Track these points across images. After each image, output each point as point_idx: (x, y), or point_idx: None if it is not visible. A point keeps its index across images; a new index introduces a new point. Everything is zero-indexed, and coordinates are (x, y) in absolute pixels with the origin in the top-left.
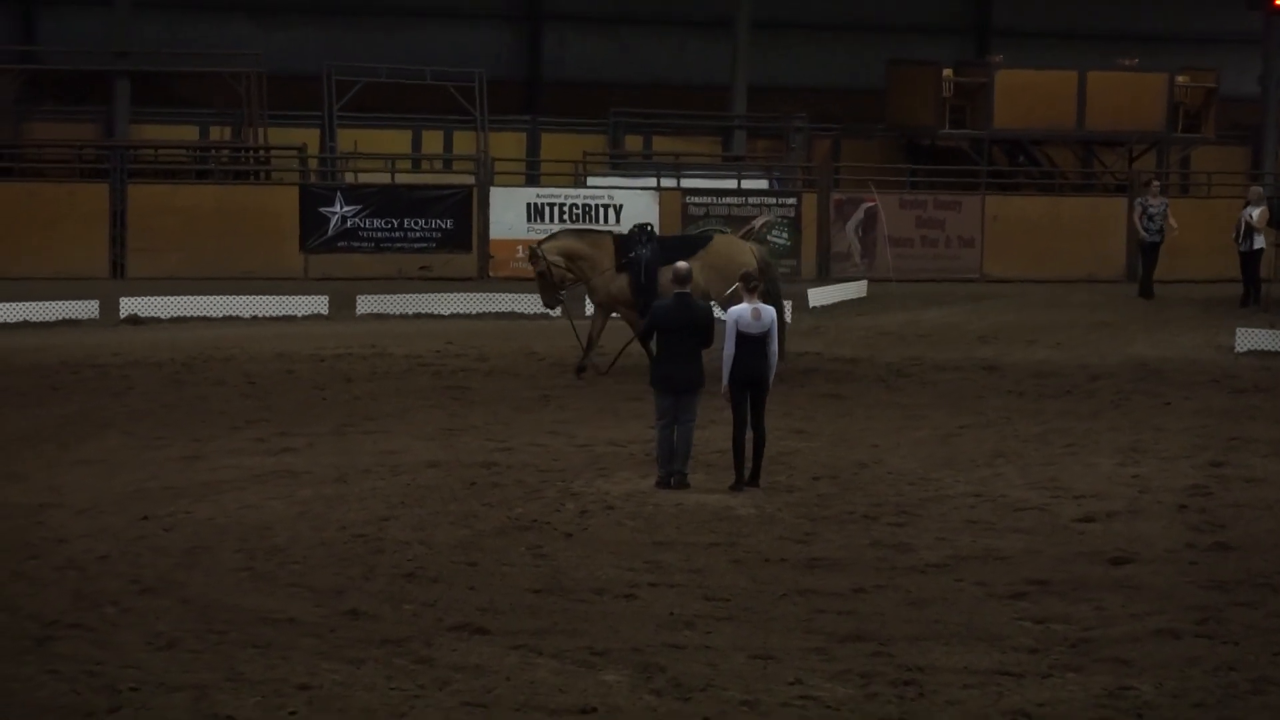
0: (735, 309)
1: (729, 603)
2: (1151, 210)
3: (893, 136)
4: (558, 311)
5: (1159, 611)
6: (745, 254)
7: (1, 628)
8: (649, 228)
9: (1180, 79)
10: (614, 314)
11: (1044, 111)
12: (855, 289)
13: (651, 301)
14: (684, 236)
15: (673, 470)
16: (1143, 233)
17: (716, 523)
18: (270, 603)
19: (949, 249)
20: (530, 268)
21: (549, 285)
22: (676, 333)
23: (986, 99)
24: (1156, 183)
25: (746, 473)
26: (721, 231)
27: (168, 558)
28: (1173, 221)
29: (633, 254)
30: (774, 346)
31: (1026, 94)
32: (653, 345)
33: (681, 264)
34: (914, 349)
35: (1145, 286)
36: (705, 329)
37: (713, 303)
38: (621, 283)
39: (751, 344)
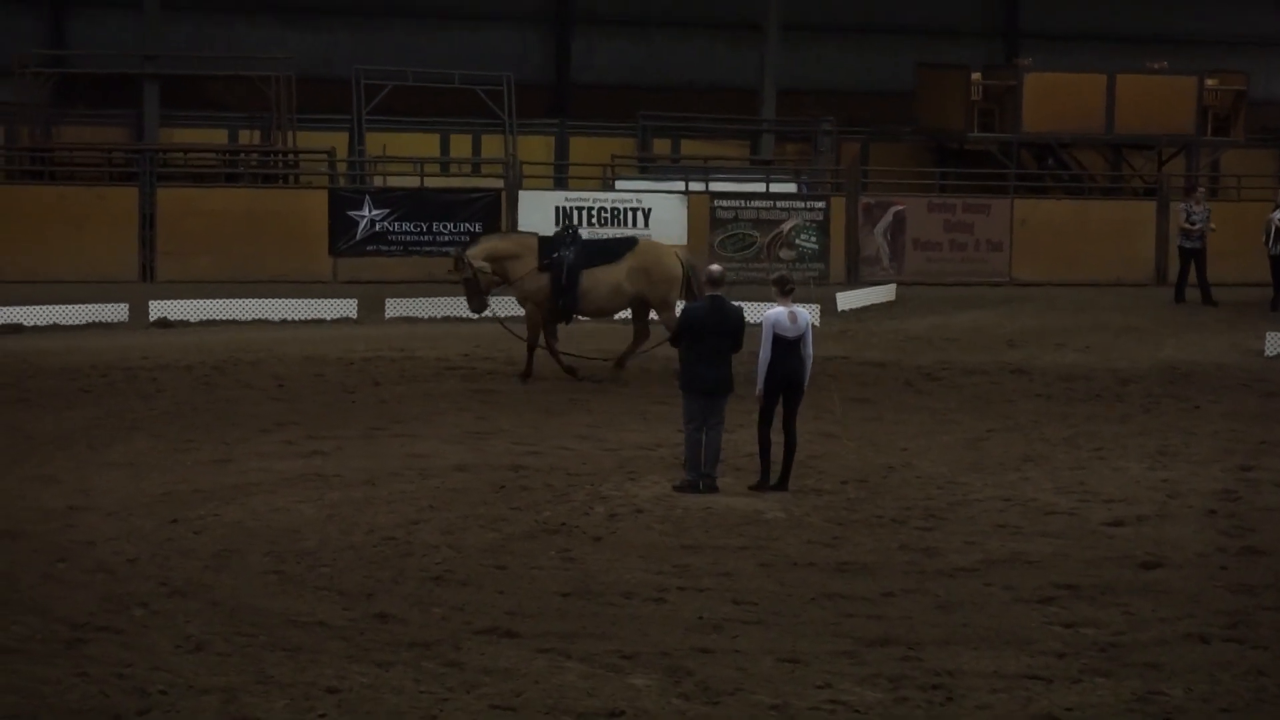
0: (772, 312)
1: (757, 606)
2: (1194, 217)
3: (921, 140)
4: (485, 314)
5: (1188, 616)
6: (671, 258)
7: (32, 630)
8: (574, 230)
9: (1210, 82)
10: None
11: (1073, 115)
12: (884, 292)
13: (571, 304)
14: (610, 240)
15: (702, 474)
16: (1180, 238)
17: (745, 526)
18: (299, 605)
19: (977, 252)
20: (456, 275)
21: (476, 290)
22: (709, 336)
23: (1015, 102)
24: (1201, 189)
25: (774, 477)
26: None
27: (197, 560)
28: (1212, 224)
29: (556, 254)
30: (809, 349)
31: (1055, 97)
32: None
33: (715, 266)
34: (942, 353)
35: (1180, 291)
36: (738, 332)
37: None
38: (542, 282)
39: (788, 347)
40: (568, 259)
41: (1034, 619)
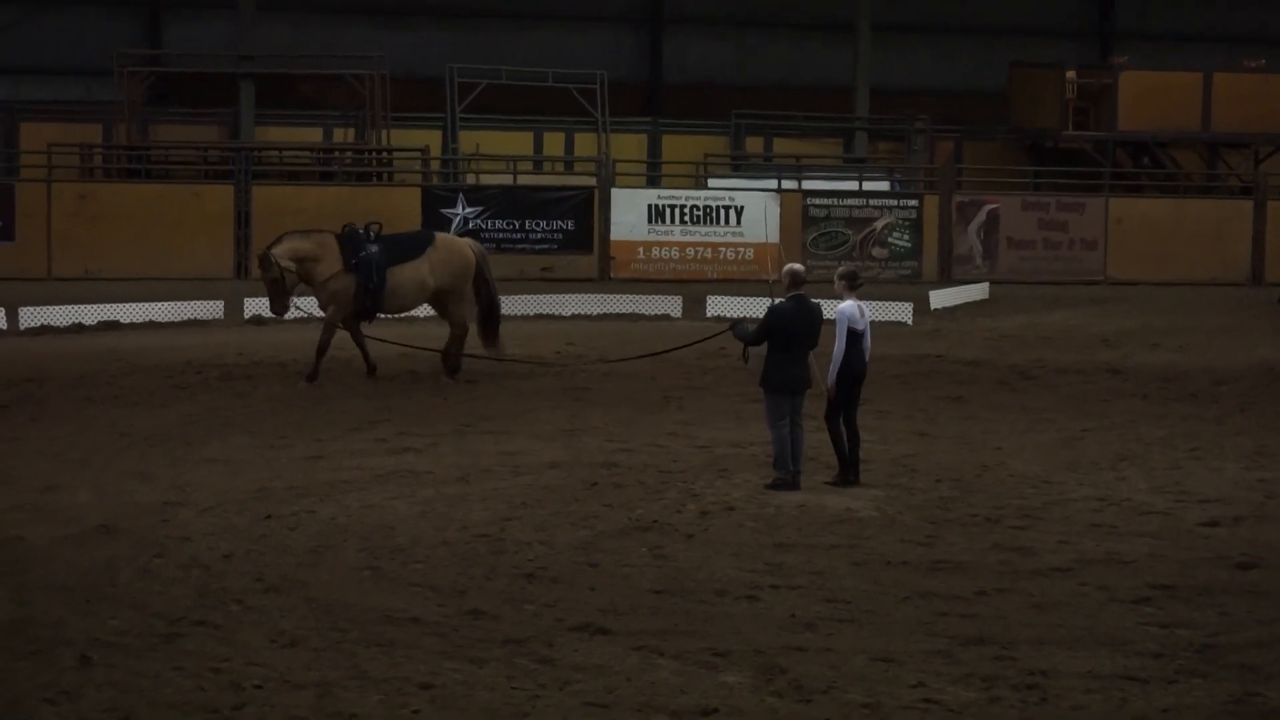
0: (844, 306)
1: (850, 605)
2: None
3: (1015, 139)
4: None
5: None
6: (467, 252)
7: (129, 624)
8: (376, 227)
9: None
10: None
11: (1168, 113)
12: (977, 291)
13: (376, 303)
14: (407, 235)
15: (795, 471)
16: None
17: (838, 525)
18: (393, 602)
19: (1072, 251)
20: (261, 275)
21: (282, 291)
22: (798, 334)
23: (1110, 101)
24: None
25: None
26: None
27: (291, 556)
28: None
29: (363, 253)
30: (868, 342)
31: (1151, 96)
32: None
33: (798, 265)
34: (1037, 352)
35: None
36: (819, 330)
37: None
38: (348, 283)
39: (858, 341)
40: (375, 257)
41: (1129, 619)
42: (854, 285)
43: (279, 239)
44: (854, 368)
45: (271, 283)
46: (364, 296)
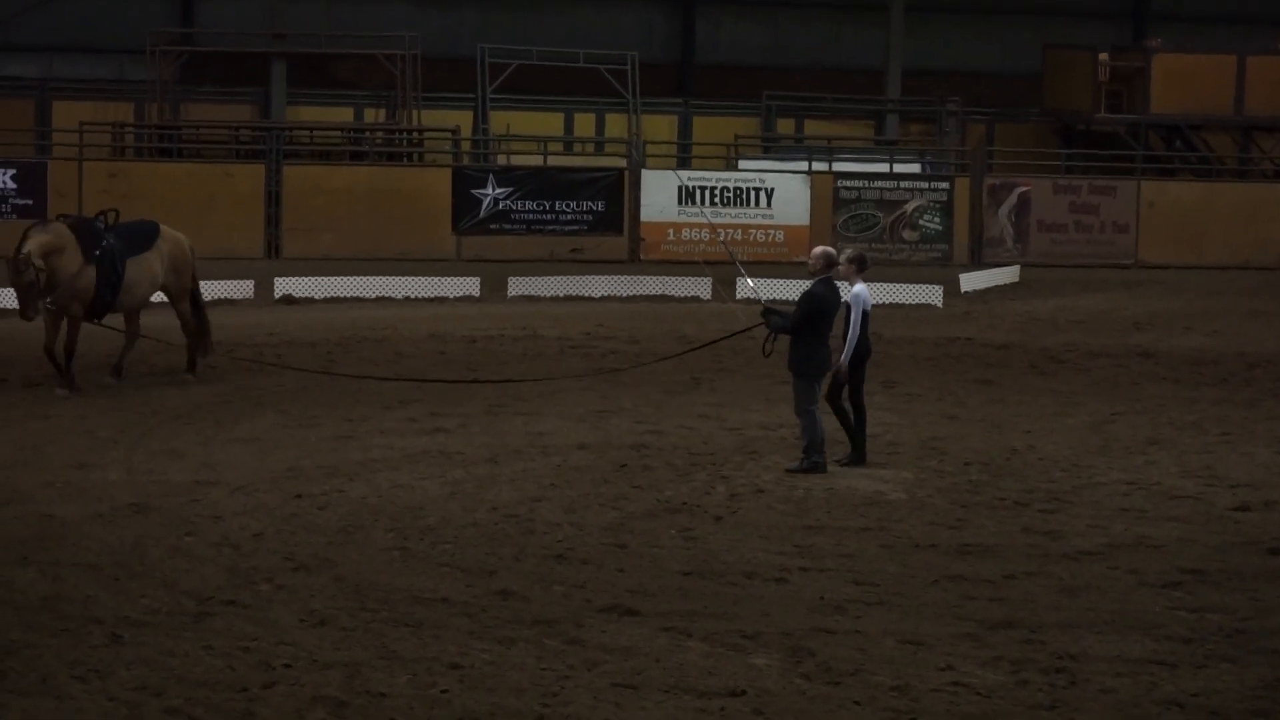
0: (859, 289)
1: (879, 588)
2: None
3: (1047, 121)
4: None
5: None
6: (185, 243)
7: (159, 603)
8: (114, 214)
9: None
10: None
11: (1202, 96)
12: (1008, 274)
13: (115, 297)
14: (135, 225)
15: (824, 455)
16: None
17: (867, 507)
18: (422, 582)
19: (1103, 234)
20: (14, 278)
21: (36, 294)
22: (831, 316)
23: (1143, 83)
24: None
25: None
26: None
27: (321, 536)
28: None
29: (105, 244)
30: (869, 323)
31: (1184, 79)
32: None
33: (829, 249)
34: (1067, 335)
35: None
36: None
37: None
38: (91, 277)
39: (867, 322)
40: (116, 248)
41: (1159, 603)
42: (862, 268)
43: (26, 235)
44: (864, 348)
45: (28, 285)
46: (105, 291)
